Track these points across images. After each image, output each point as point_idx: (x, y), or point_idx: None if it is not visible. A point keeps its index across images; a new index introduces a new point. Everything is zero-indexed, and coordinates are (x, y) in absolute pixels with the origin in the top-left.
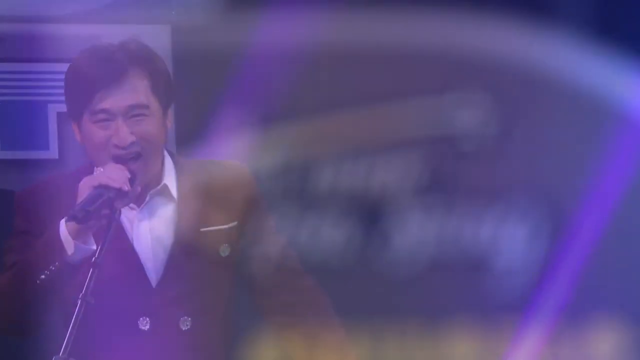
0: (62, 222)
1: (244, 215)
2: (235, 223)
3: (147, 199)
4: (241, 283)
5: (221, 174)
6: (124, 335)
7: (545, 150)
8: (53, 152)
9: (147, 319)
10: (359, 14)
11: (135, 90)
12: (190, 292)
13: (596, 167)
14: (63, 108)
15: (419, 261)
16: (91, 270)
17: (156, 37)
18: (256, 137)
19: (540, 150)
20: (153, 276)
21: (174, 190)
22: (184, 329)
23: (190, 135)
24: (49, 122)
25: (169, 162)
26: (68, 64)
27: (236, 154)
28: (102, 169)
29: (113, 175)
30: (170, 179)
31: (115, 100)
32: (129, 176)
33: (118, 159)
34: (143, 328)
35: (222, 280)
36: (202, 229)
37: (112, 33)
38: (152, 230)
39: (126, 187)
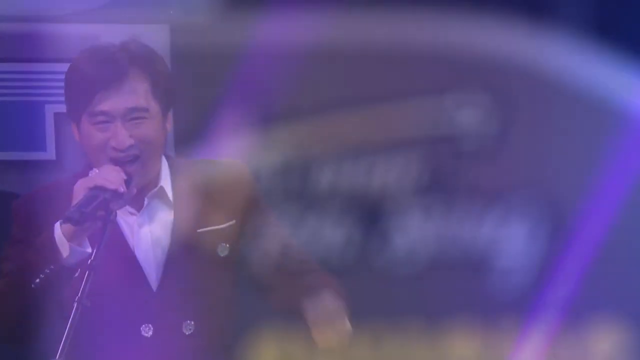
0: (57, 224)
1: (242, 213)
2: (233, 222)
3: (146, 202)
4: (243, 282)
5: (217, 173)
6: (127, 343)
7: (545, 150)
8: (50, 153)
9: (150, 325)
10: (359, 14)
11: (135, 93)
12: (191, 295)
13: (596, 167)
14: (61, 109)
15: (419, 261)
16: (87, 272)
17: (155, 36)
18: (256, 137)
19: (541, 150)
20: (154, 281)
21: (169, 193)
22: (187, 333)
23: (189, 136)
24: (47, 122)
25: (164, 165)
26: (66, 64)
27: (235, 154)
28: (97, 170)
29: (109, 176)
30: (166, 181)
31: (114, 102)
32: (125, 178)
33: (116, 162)
34: (146, 335)
35: (222, 281)
36: (198, 230)
37: (111, 33)
38: (151, 234)
39: (122, 189)
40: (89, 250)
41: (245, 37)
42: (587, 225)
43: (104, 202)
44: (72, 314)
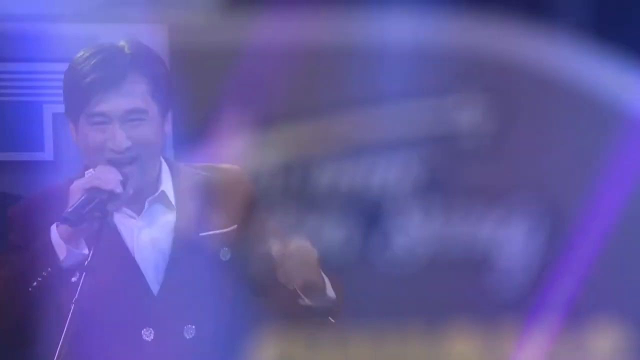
0: (53, 227)
1: (243, 219)
2: (235, 226)
3: (146, 206)
4: (244, 285)
5: (218, 178)
6: (128, 347)
7: (545, 150)
8: (48, 154)
9: (151, 329)
10: (358, 13)
11: (134, 94)
12: (193, 299)
13: (596, 166)
14: (59, 109)
15: (419, 261)
16: (84, 274)
17: (153, 36)
18: (255, 137)
19: (541, 150)
20: (155, 284)
21: (171, 197)
22: (188, 337)
23: (187, 135)
24: (44, 123)
25: (165, 169)
26: (64, 64)
27: (235, 154)
28: (92, 171)
29: (105, 177)
30: (167, 186)
31: (112, 103)
32: (121, 178)
33: (114, 163)
34: (147, 339)
35: (224, 286)
36: (201, 234)
37: (109, 32)
38: (152, 238)
39: (118, 190)
40: (86, 251)
41: (244, 37)
42: (587, 224)
43: (100, 203)
44: (69, 316)
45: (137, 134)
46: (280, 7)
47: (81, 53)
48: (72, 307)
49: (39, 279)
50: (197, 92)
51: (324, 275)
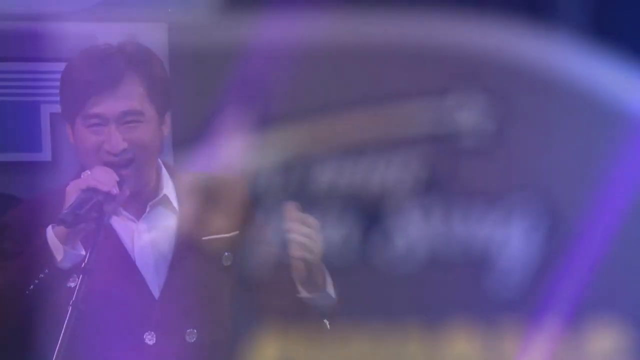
0: (49, 228)
1: (243, 226)
2: (236, 232)
3: (148, 209)
4: (245, 290)
5: (219, 185)
6: (129, 351)
7: (545, 149)
8: (46, 154)
9: (153, 333)
10: (358, 13)
11: (130, 96)
12: (195, 303)
13: (596, 166)
14: (57, 109)
15: (419, 260)
16: (81, 276)
17: (152, 35)
18: (255, 137)
19: (541, 150)
20: (155, 288)
21: (174, 200)
22: (190, 341)
23: (187, 135)
24: (42, 123)
25: (165, 173)
26: (62, 64)
27: (235, 154)
28: (89, 172)
29: (101, 178)
30: (169, 190)
31: (108, 105)
32: (117, 179)
33: (110, 166)
34: (149, 343)
35: (225, 290)
36: (204, 238)
37: (108, 31)
38: (153, 242)
39: (115, 191)
40: (83, 253)
41: (244, 36)
42: (587, 224)
43: (97, 204)
44: (67, 318)
45: (134, 136)
46: (280, 7)
47: (77, 54)
48: (70, 310)
49: (36, 281)
50: (197, 92)
51: (325, 269)
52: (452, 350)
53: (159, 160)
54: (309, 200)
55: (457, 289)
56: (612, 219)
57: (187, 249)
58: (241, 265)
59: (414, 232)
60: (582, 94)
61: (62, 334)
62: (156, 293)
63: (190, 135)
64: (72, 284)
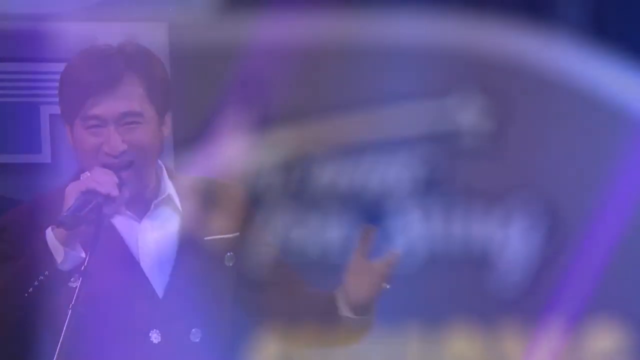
0: (49, 230)
1: (243, 229)
2: (238, 234)
3: (152, 208)
4: (248, 289)
5: (218, 190)
6: (135, 350)
7: (545, 149)
8: (45, 156)
9: (158, 331)
10: (358, 13)
11: (129, 97)
12: (198, 303)
13: (596, 166)
14: (56, 110)
15: (419, 260)
16: (80, 278)
17: (152, 35)
18: (255, 137)
19: (541, 150)
20: (159, 287)
21: (177, 201)
22: (194, 341)
23: (187, 135)
24: (41, 124)
25: (165, 175)
26: (61, 64)
27: (235, 154)
28: (88, 174)
29: (101, 180)
30: (172, 190)
31: (107, 106)
32: (117, 181)
33: (109, 167)
34: (154, 341)
35: (228, 290)
36: (206, 238)
37: (108, 31)
38: (156, 241)
39: (114, 193)
40: (83, 255)
41: (244, 36)
42: (587, 224)
43: (97, 206)
44: (66, 321)
45: (133, 137)
46: (280, 7)
47: (77, 54)
48: (70, 312)
49: (36, 283)
50: (197, 91)
51: None
52: (452, 350)
53: (159, 162)
54: (309, 200)
55: (457, 289)
56: (612, 219)
57: (190, 249)
58: (243, 266)
59: (414, 231)
60: (582, 94)
61: (62, 336)
62: (160, 292)
63: (191, 135)
64: (73, 285)
